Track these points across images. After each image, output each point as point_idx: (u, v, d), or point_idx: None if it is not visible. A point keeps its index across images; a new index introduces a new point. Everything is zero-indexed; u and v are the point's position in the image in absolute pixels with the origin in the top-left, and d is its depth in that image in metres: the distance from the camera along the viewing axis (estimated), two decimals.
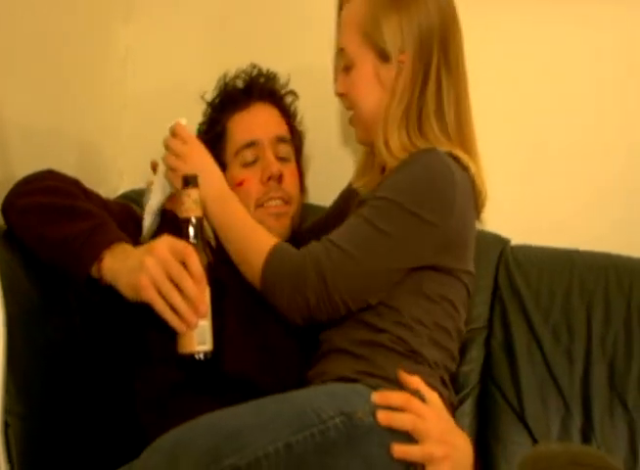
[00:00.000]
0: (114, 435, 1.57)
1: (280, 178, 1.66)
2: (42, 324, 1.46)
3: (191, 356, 1.33)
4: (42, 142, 1.78)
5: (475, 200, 1.50)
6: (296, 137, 1.79)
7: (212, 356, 1.34)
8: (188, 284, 1.29)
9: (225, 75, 1.79)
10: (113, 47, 2.12)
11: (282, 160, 1.70)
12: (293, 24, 2.07)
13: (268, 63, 1.79)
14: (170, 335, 1.36)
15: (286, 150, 1.72)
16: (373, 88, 1.53)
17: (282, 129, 1.74)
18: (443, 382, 1.45)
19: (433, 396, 1.33)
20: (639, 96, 1.89)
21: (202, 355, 1.33)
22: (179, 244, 1.32)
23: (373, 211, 1.41)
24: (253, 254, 1.46)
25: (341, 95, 1.60)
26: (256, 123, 1.71)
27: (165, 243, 1.32)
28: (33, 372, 1.42)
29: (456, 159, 1.46)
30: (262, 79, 1.76)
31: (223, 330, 1.45)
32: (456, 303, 1.47)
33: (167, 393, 1.52)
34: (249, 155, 1.68)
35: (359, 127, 1.59)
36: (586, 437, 1.67)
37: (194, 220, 1.37)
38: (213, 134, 1.74)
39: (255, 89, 1.74)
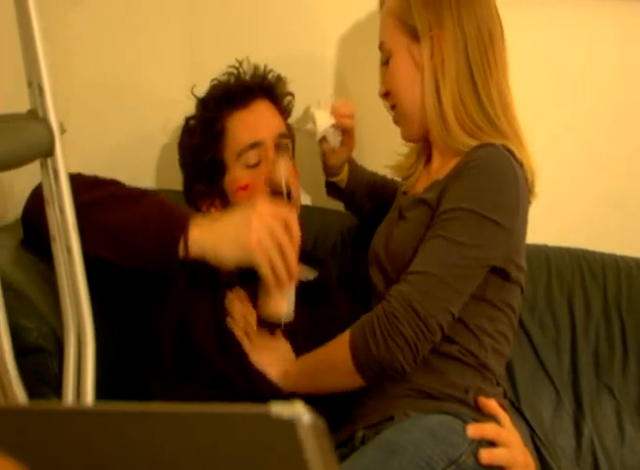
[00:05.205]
0: None
1: None
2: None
3: (278, 318, 1.44)
4: None
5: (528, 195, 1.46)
6: (291, 134, 1.74)
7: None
8: (290, 249, 1.33)
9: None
10: (60, 35, 1.98)
11: None
12: (248, 18, 2.00)
13: (226, 59, 1.74)
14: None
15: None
16: (409, 72, 1.47)
17: (282, 126, 1.69)
18: (505, 395, 1.48)
19: (506, 419, 1.37)
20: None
21: (286, 317, 1.45)
22: (283, 209, 1.39)
23: (445, 225, 1.36)
24: (339, 358, 1.37)
25: (384, 95, 1.56)
26: (259, 123, 1.65)
27: (269, 207, 1.37)
28: None
29: (511, 152, 1.41)
30: (261, 76, 1.70)
31: None
32: (515, 306, 1.47)
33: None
34: (253, 156, 1.62)
35: (404, 122, 1.54)
36: (577, 423, 1.78)
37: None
38: (211, 134, 1.66)
39: (256, 86, 1.68)
